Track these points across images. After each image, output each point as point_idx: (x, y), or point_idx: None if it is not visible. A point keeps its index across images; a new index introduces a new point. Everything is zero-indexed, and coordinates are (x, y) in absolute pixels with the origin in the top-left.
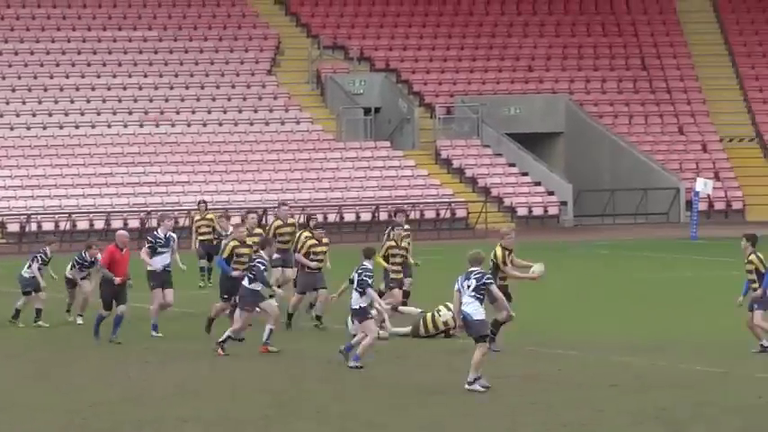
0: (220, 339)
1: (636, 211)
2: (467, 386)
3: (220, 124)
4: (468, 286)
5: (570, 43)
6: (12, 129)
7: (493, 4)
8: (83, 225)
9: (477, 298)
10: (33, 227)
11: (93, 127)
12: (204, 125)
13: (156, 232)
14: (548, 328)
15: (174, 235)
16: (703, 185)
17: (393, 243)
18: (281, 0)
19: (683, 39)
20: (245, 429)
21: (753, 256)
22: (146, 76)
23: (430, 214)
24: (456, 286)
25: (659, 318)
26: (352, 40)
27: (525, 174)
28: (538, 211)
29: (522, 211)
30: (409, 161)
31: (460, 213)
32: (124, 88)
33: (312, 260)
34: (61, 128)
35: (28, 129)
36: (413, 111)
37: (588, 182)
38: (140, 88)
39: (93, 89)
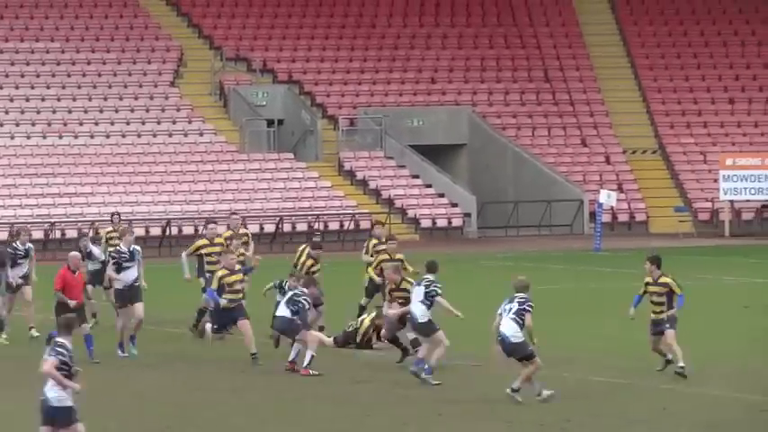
0: (306, 364)
1: (540, 222)
2: (509, 391)
3: (123, 136)
4: (510, 309)
5: (473, 55)
6: None
7: (395, 17)
8: None
9: (517, 321)
10: None
11: None
12: (107, 137)
13: (118, 247)
14: (455, 342)
15: (139, 248)
16: (607, 197)
17: (387, 256)
18: (183, 12)
19: (585, 51)
20: None
21: (667, 279)
22: (48, 87)
23: (334, 226)
24: (498, 310)
25: (563, 329)
26: (254, 51)
27: (429, 185)
28: (442, 223)
29: (425, 223)
30: (313, 173)
31: (364, 225)
32: (27, 99)
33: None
34: None
35: None
36: (316, 122)
37: (492, 194)
38: (43, 99)
39: None
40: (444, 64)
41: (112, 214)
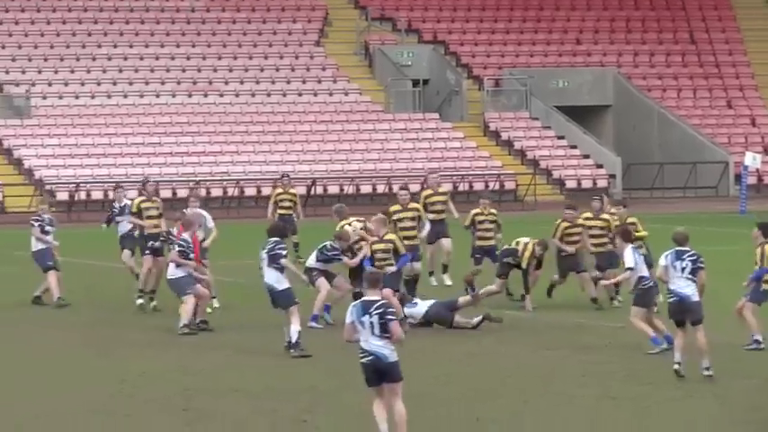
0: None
1: (685, 184)
2: (705, 372)
3: (269, 95)
4: (684, 268)
5: (618, 16)
6: (60, 98)
7: None
8: (131, 194)
9: (693, 280)
10: (82, 195)
11: (141, 96)
12: (252, 95)
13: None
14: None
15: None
16: (752, 159)
17: (479, 210)
18: None
19: (731, 12)
20: (293, 400)
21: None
22: (194, 46)
23: (479, 186)
24: (664, 262)
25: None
26: (399, 11)
27: (574, 146)
28: (587, 184)
29: (570, 184)
30: (458, 133)
31: (509, 185)
32: (172, 58)
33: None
34: (109, 97)
35: (76, 98)
36: (461, 83)
37: (637, 155)
38: (188, 58)
39: (141, 59)
40: (590, 25)
41: (282, 175)
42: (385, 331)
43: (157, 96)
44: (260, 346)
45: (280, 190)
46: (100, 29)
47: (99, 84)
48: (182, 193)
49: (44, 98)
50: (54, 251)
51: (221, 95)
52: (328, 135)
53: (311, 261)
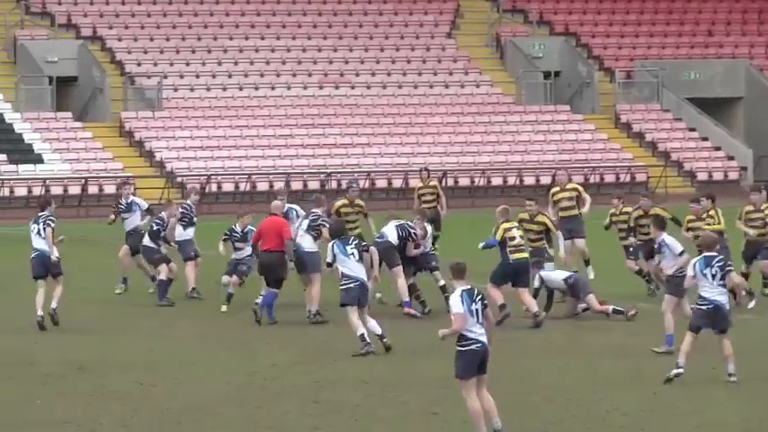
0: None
1: None
2: (732, 379)
3: (400, 86)
4: (714, 275)
5: (750, 8)
6: (192, 90)
7: None
8: (262, 186)
9: (724, 286)
10: (213, 188)
11: (272, 88)
12: (384, 87)
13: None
14: None
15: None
16: None
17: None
18: None
19: None
20: (422, 392)
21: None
22: (325, 38)
23: (609, 178)
24: (692, 271)
25: None
26: (531, 3)
27: (705, 139)
28: (718, 176)
29: (702, 176)
30: (589, 125)
31: (640, 178)
32: (304, 50)
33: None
34: (241, 89)
35: (208, 90)
36: (592, 75)
37: None
38: (320, 50)
39: (272, 51)
40: (722, 17)
41: (422, 170)
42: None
43: (288, 88)
44: (389, 339)
45: (420, 184)
46: (231, 21)
47: (230, 76)
48: (313, 185)
49: (175, 90)
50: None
51: (352, 87)
52: (459, 127)
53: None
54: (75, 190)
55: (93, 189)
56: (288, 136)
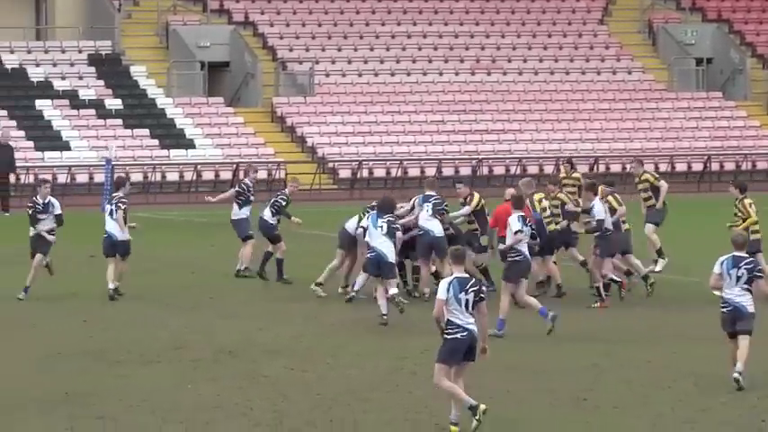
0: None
1: None
2: (735, 376)
3: (552, 73)
4: (739, 277)
5: None
6: (344, 75)
7: None
8: (414, 172)
9: (749, 290)
10: (365, 173)
11: (424, 74)
12: (536, 74)
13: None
14: None
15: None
16: None
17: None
18: None
19: None
20: (573, 379)
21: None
22: (477, 24)
23: (762, 165)
24: (718, 269)
25: None
26: None
27: None
28: None
29: None
30: (741, 112)
31: None
32: (455, 36)
33: None
34: (393, 74)
35: (359, 75)
36: (745, 61)
37: None
38: (472, 36)
39: (424, 36)
40: None
41: (564, 161)
42: (475, 309)
43: (440, 74)
44: (537, 327)
45: (563, 174)
46: (384, 6)
47: (382, 61)
48: (464, 171)
49: (327, 76)
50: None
51: (504, 74)
52: (611, 114)
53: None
54: (226, 175)
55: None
56: (439, 122)
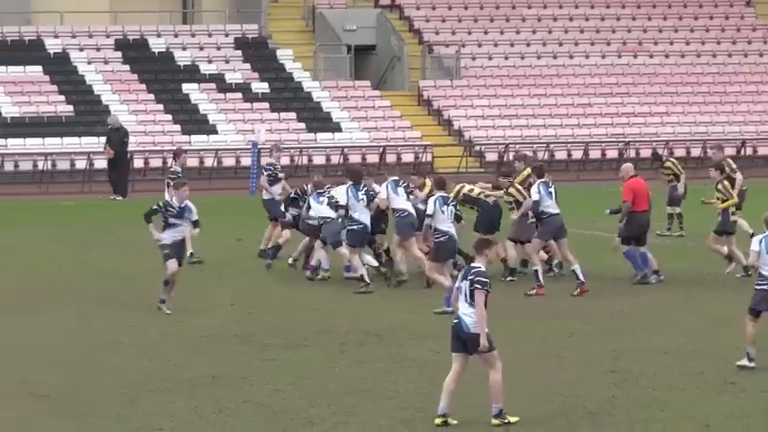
0: None
1: None
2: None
3: (698, 56)
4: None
5: None
6: (490, 59)
7: None
8: (561, 155)
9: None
10: (511, 156)
11: (570, 57)
12: (682, 56)
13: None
14: None
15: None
16: None
17: None
18: None
19: None
20: (722, 362)
21: None
22: (623, 6)
23: None
24: (757, 247)
25: None
26: None
27: None
28: None
29: None
30: None
31: None
32: (602, 19)
33: None
34: (539, 58)
35: (506, 59)
36: None
37: None
38: (618, 19)
39: (570, 20)
40: None
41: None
42: (472, 299)
43: (587, 57)
44: (684, 306)
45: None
46: None
47: (528, 45)
48: (611, 154)
49: (473, 59)
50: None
51: (651, 56)
52: (758, 96)
53: None
54: (373, 158)
55: (391, 157)
56: (586, 105)
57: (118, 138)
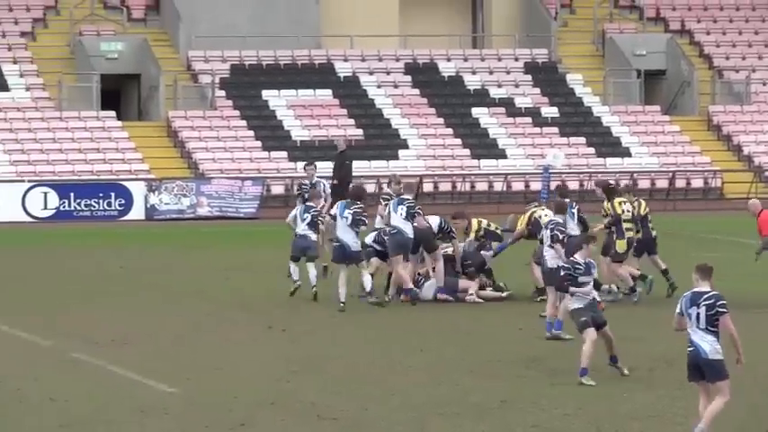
0: None
1: None
2: None
3: None
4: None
5: None
6: None
7: None
8: None
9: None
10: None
11: None
12: None
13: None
14: None
15: None
16: None
17: None
18: None
19: None
20: None
21: None
22: None
23: None
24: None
25: None
26: None
27: None
28: None
29: None
30: None
31: None
32: None
33: None
34: None
35: None
36: None
37: None
38: None
39: None
40: None
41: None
42: (711, 325)
43: None
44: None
45: None
46: None
47: None
48: None
49: (764, 84)
50: None
51: None
52: None
53: None
54: (662, 183)
55: (680, 183)
56: None
57: (340, 161)
